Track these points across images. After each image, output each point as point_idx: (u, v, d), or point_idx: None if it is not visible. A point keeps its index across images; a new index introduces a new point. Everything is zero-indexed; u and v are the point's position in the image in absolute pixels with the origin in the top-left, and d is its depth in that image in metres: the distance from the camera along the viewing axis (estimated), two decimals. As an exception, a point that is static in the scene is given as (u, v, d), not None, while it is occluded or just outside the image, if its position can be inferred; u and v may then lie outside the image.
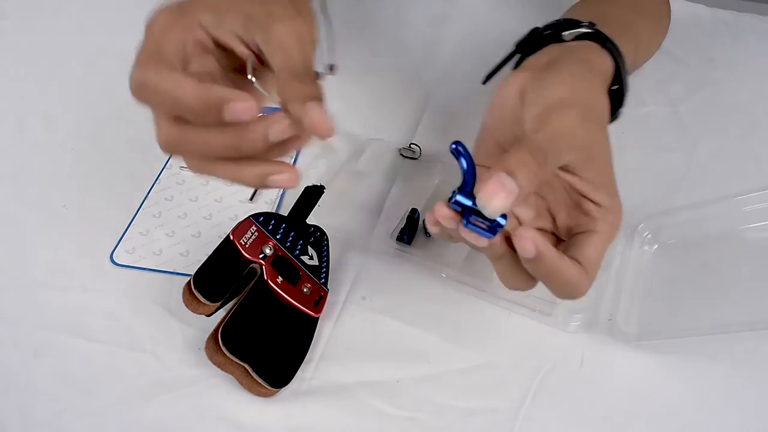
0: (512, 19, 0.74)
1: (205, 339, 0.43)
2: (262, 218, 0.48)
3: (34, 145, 0.61)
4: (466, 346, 0.46)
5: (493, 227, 0.32)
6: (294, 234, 0.48)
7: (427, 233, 0.52)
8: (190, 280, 0.45)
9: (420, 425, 0.42)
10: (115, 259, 0.51)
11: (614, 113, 0.43)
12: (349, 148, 0.59)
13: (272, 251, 0.46)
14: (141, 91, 0.32)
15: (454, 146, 0.31)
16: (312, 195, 0.51)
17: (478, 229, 0.32)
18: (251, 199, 0.56)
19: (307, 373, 0.45)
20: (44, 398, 0.43)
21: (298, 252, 0.48)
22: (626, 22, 0.48)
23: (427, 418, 0.43)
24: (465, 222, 0.32)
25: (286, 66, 0.33)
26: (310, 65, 0.34)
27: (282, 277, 0.45)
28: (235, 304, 0.44)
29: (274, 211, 0.55)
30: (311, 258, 0.48)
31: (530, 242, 0.32)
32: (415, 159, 0.58)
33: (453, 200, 0.32)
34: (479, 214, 0.31)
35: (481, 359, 0.46)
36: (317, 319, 0.46)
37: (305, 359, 0.45)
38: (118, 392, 0.44)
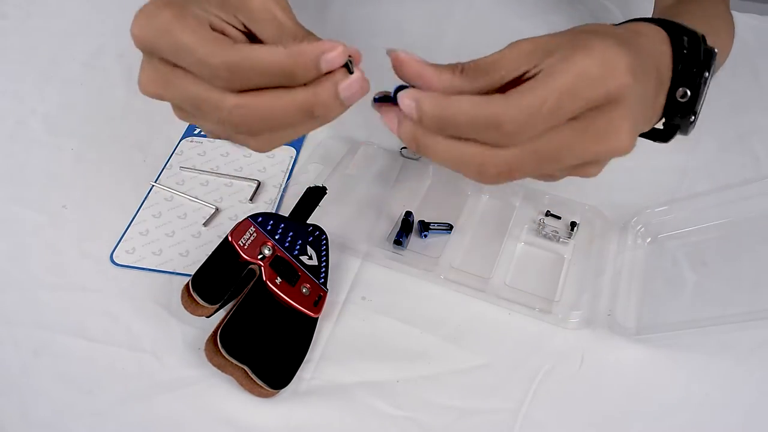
0: (513, 17, 0.74)
1: (205, 340, 0.43)
2: (260, 219, 0.48)
3: (34, 145, 0.61)
4: (465, 345, 0.47)
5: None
6: (293, 234, 0.48)
7: (422, 235, 0.52)
8: (188, 283, 0.45)
9: (420, 425, 0.42)
10: (115, 259, 0.51)
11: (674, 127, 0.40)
12: (346, 150, 0.59)
13: (271, 252, 0.46)
14: (236, 72, 0.30)
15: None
16: (314, 196, 0.51)
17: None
18: (251, 199, 0.56)
19: (307, 373, 0.45)
20: (44, 398, 0.43)
21: (297, 252, 0.48)
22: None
23: (427, 418, 0.43)
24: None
25: (281, 31, 0.33)
26: (298, 24, 0.34)
27: (281, 277, 0.45)
28: (234, 305, 0.44)
29: (273, 211, 0.55)
30: (310, 258, 0.48)
31: (409, 98, 0.33)
32: (416, 159, 0.58)
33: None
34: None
35: (480, 358, 0.46)
36: (317, 319, 0.46)
37: (305, 359, 0.45)
38: (118, 392, 0.44)
